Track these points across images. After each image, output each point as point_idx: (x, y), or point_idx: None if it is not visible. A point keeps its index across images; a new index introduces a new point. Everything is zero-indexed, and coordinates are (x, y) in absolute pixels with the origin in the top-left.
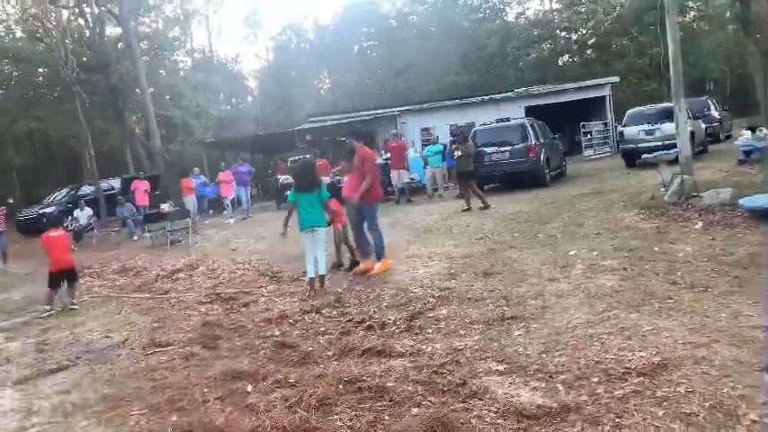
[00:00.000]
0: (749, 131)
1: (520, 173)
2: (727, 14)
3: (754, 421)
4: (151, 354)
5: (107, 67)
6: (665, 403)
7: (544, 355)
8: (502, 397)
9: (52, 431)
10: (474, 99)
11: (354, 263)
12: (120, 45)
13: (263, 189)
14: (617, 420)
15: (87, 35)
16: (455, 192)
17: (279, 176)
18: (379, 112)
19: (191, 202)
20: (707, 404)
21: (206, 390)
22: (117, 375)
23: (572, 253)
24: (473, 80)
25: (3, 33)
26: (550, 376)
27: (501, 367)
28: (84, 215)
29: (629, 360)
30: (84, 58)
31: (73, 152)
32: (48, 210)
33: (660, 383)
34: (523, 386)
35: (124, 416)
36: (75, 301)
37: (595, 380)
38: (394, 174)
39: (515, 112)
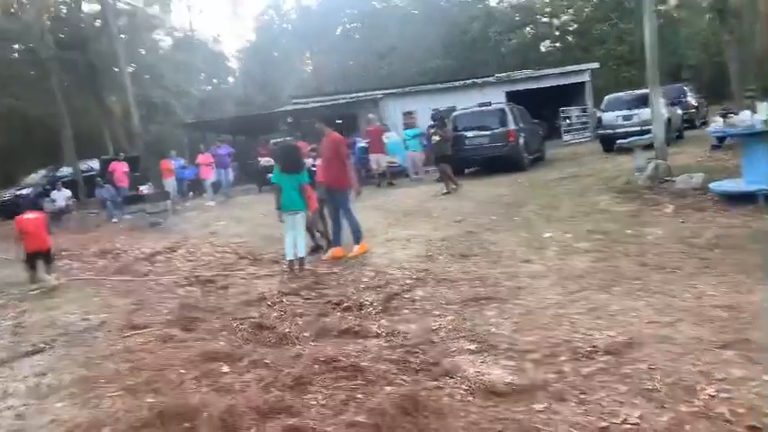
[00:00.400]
0: (722, 118)
1: (499, 157)
2: (704, 4)
3: (711, 396)
4: (128, 336)
5: (85, 45)
6: (628, 380)
7: (515, 335)
8: (473, 375)
9: (28, 413)
10: (456, 83)
11: (317, 247)
12: (98, 22)
13: (244, 171)
14: (582, 396)
15: (65, 11)
16: (435, 175)
17: (260, 159)
18: (361, 95)
19: (170, 184)
20: (668, 380)
21: (182, 371)
22: (93, 357)
23: (547, 235)
24: (455, 64)
25: None
26: (521, 355)
27: (473, 346)
28: (61, 197)
29: (597, 339)
30: (62, 35)
31: (51, 132)
32: (24, 191)
33: (625, 361)
34: (494, 364)
35: (100, 397)
36: (55, 276)
37: (563, 358)
38: (373, 157)
39: (497, 97)
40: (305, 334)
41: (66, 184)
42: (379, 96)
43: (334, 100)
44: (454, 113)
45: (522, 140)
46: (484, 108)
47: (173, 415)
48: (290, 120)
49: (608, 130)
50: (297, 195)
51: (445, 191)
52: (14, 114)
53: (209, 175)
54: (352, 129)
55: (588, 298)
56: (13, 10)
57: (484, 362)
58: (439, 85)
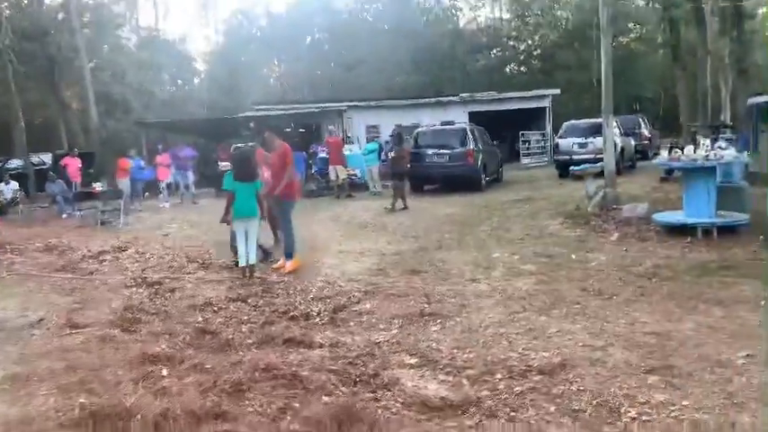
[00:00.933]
0: (667, 152)
1: (457, 176)
2: (659, 39)
3: (633, 418)
4: (67, 334)
5: (44, 37)
6: (557, 400)
7: (455, 351)
8: (410, 389)
9: None
10: (420, 100)
11: (266, 253)
12: (59, 15)
13: (203, 175)
14: (512, 414)
15: (25, 2)
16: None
17: (220, 163)
18: (326, 105)
19: (124, 183)
20: (594, 401)
21: (119, 372)
22: (29, 354)
23: (495, 256)
24: (422, 80)
25: None
26: (458, 371)
27: (413, 360)
28: (8, 189)
29: (532, 359)
30: (22, 25)
31: (2, 123)
32: None
33: (556, 382)
34: (432, 379)
35: (31, 395)
36: None
37: (499, 376)
38: (332, 169)
39: (460, 116)
40: (248, 341)
41: (17, 177)
42: (343, 108)
43: (298, 109)
44: (417, 130)
45: (480, 161)
46: (446, 127)
47: (105, 416)
48: (252, 125)
49: (564, 156)
50: (252, 202)
51: (390, 207)
52: None
53: (166, 177)
54: (316, 138)
55: (528, 319)
56: None
57: (422, 376)
58: (404, 101)
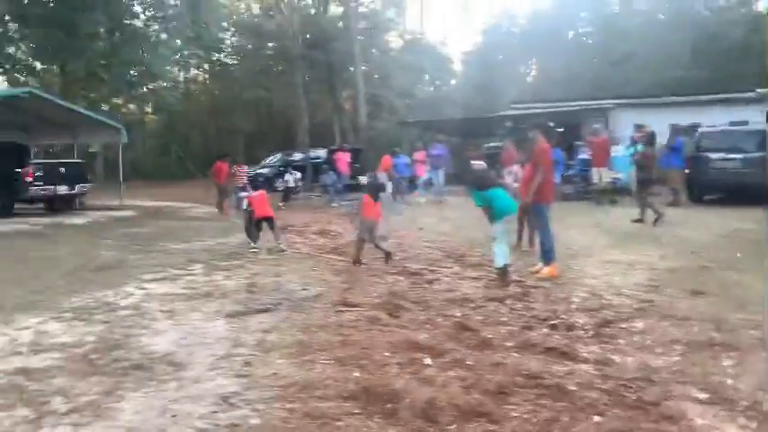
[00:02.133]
0: None
1: (749, 184)
2: None
3: None
4: (341, 311)
5: (327, 45)
6: None
7: (759, 393)
8: (702, 427)
9: (254, 363)
10: (703, 97)
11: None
12: (340, 24)
13: (456, 173)
14: None
15: (313, 12)
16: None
17: (472, 162)
18: (588, 103)
19: (383, 178)
20: None
21: (386, 354)
22: (310, 325)
23: None
24: (703, 75)
25: (243, 10)
26: (766, 418)
27: (703, 396)
28: (292, 178)
29: None
30: (308, 35)
31: (289, 121)
32: (263, 171)
33: None
34: (729, 422)
35: (312, 362)
36: (281, 243)
37: None
38: (594, 171)
39: (755, 116)
40: (507, 343)
41: (297, 168)
42: (609, 106)
43: (557, 107)
44: (699, 131)
45: None
46: (738, 128)
47: (378, 394)
48: (508, 124)
49: None
50: (509, 199)
51: (638, 218)
52: (262, 103)
53: (423, 173)
54: (575, 138)
55: None
56: (271, 12)
57: (716, 415)
58: (681, 98)
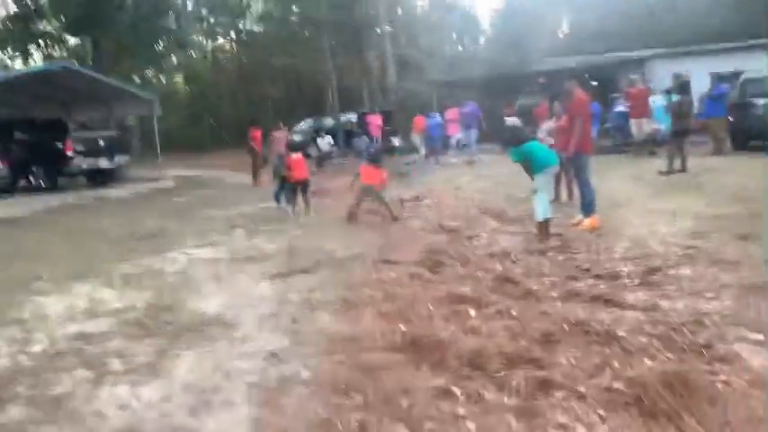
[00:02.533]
0: None
1: None
2: None
3: None
4: (382, 269)
5: (351, 6)
6: None
7: None
8: (757, 367)
9: (301, 319)
10: (745, 43)
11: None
12: None
13: (489, 130)
14: None
15: None
16: (705, 146)
17: (506, 118)
18: (623, 54)
19: (417, 139)
20: None
21: (431, 307)
22: (353, 283)
23: None
24: (745, 20)
25: None
26: None
27: (757, 337)
28: (324, 143)
29: None
30: None
31: (318, 86)
32: (294, 137)
33: None
34: None
35: (359, 317)
36: (310, 208)
37: None
38: (633, 123)
39: None
40: (552, 294)
41: (329, 133)
42: (646, 56)
43: (591, 60)
44: (743, 77)
45: None
46: None
47: (424, 345)
48: (541, 80)
49: None
50: (547, 151)
51: (665, 170)
52: (290, 70)
53: (456, 132)
54: (611, 91)
55: None
56: None
57: None
58: (721, 46)
